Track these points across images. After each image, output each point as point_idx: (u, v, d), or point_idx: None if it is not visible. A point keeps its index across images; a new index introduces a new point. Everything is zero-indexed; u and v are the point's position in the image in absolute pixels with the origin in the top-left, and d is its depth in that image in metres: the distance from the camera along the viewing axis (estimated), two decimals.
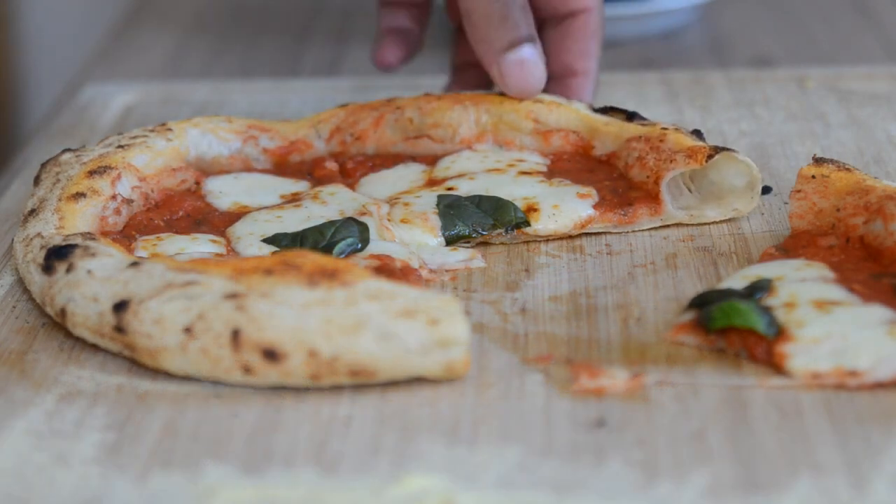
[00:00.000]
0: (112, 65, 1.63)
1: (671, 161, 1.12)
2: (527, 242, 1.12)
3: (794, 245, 1.06)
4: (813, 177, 1.08)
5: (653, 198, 1.13)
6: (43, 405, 0.93)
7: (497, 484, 0.84)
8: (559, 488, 0.84)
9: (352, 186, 1.17)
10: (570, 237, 1.12)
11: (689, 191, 1.14)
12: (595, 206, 1.12)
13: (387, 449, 0.88)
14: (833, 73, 1.44)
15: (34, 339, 1.01)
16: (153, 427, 0.91)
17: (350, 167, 1.19)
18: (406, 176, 1.17)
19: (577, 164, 1.18)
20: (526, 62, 1.17)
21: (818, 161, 1.09)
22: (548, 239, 1.12)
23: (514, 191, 1.13)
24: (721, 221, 1.13)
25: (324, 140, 1.21)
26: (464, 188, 1.14)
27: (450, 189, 1.14)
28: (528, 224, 1.11)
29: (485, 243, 1.11)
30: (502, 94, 1.20)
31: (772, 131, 1.31)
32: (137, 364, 0.97)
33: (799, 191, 1.08)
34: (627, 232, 1.12)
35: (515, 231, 1.11)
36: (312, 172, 1.19)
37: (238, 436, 0.90)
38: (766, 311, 0.96)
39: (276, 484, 0.85)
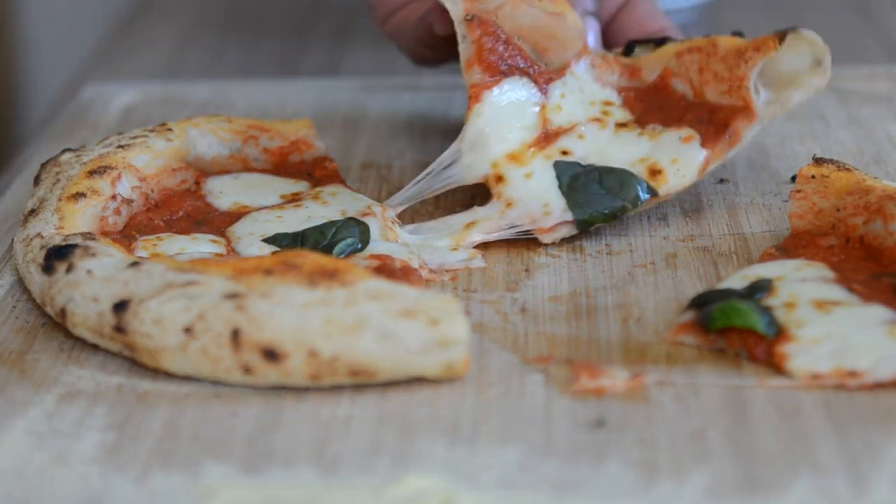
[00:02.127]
0: (112, 65, 1.63)
1: (747, 61, 1.12)
2: (527, 241, 1.12)
3: (794, 245, 1.06)
4: (813, 177, 1.08)
5: (740, 109, 1.13)
6: (43, 405, 0.93)
7: (497, 484, 0.84)
8: (559, 488, 0.84)
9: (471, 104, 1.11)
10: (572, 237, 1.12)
11: (758, 92, 1.14)
12: (703, 145, 1.12)
13: (387, 449, 0.88)
14: (833, 73, 1.43)
15: (34, 339, 1.01)
16: (153, 427, 0.91)
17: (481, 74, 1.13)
18: (520, 113, 1.13)
19: (646, 102, 1.17)
20: (594, 29, 1.22)
21: (818, 161, 1.09)
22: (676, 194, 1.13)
23: (627, 154, 1.12)
24: (722, 221, 1.14)
25: None
26: (578, 152, 1.12)
27: (565, 153, 1.12)
28: (656, 193, 1.11)
29: (486, 243, 1.11)
30: None
31: (772, 131, 1.31)
32: (137, 364, 0.97)
33: (799, 191, 1.08)
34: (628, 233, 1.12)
35: (650, 199, 1.11)
36: (312, 172, 1.19)
37: (238, 436, 0.90)
38: (766, 311, 0.96)
39: (276, 484, 0.85)
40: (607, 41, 1.28)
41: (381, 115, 1.37)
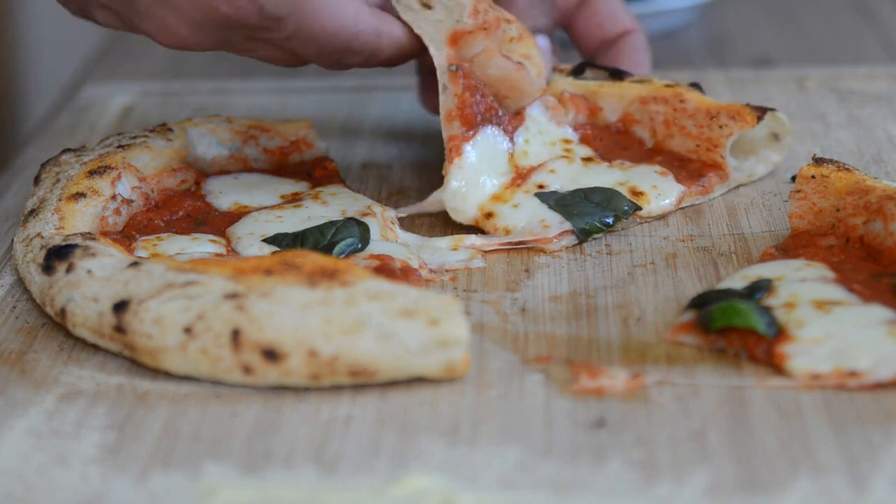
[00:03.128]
0: (112, 65, 1.63)
1: (721, 127, 1.16)
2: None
3: (794, 245, 1.06)
4: (813, 177, 1.08)
5: (711, 166, 1.17)
6: (43, 405, 0.93)
7: (497, 484, 0.84)
8: (559, 488, 0.84)
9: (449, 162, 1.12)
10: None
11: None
12: (678, 181, 1.15)
13: (387, 449, 0.88)
14: (833, 73, 1.44)
15: (34, 339, 1.01)
16: (153, 427, 0.91)
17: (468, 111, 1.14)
18: (494, 162, 1.14)
19: (607, 141, 1.20)
20: (545, 49, 1.22)
21: (818, 161, 1.09)
22: (658, 218, 1.14)
23: (602, 180, 1.15)
24: (722, 221, 1.14)
25: (443, 45, 1.12)
26: (553, 185, 1.14)
27: (541, 187, 1.14)
28: (640, 208, 1.13)
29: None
30: None
31: None
32: (137, 364, 0.97)
33: (799, 191, 1.08)
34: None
35: (632, 216, 1.13)
36: (312, 172, 1.19)
37: (238, 436, 0.89)
38: (766, 311, 0.96)
39: (276, 484, 0.85)
40: (572, 42, 1.28)
41: (380, 116, 1.37)
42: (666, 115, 1.18)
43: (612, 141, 1.20)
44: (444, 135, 1.13)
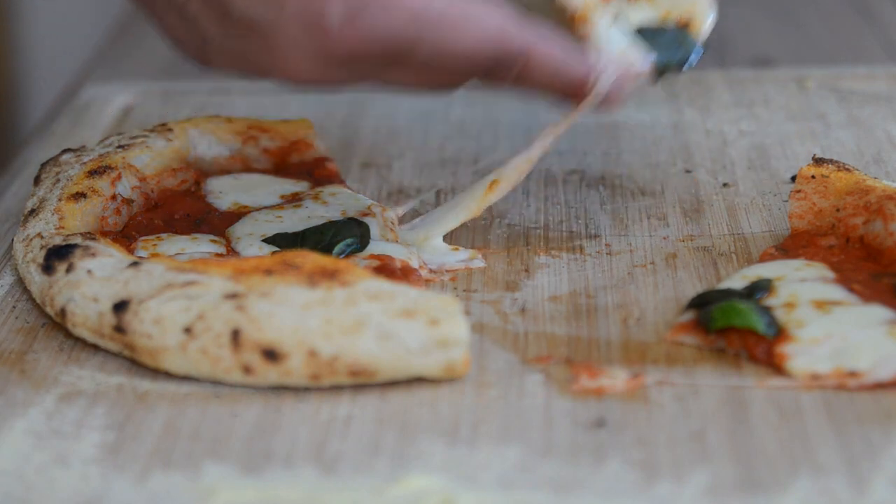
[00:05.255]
0: (112, 65, 1.62)
1: None
2: (527, 241, 1.12)
3: (793, 245, 1.06)
4: (813, 177, 1.08)
5: None
6: (43, 405, 0.93)
7: (497, 484, 0.84)
8: (559, 488, 0.84)
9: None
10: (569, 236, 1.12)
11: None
12: None
13: (387, 449, 0.88)
14: (833, 73, 1.44)
15: (34, 339, 1.01)
16: (153, 427, 0.91)
17: None
18: None
19: None
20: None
21: (818, 161, 1.09)
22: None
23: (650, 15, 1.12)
24: (722, 221, 1.14)
25: None
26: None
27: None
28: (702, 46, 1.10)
29: (485, 245, 1.11)
30: None
31: (772, 131, 1.31)
32: (137, 364, 0.97)
33: (799, 191, 1.08)
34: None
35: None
36: (312, 172, 1.19)
37: (238, 436, 0.90)
38: (766, 311, 0.96)
39: (276, 484, 0.85)
40: None
41: (381, 115, 1.37)
42: None
43: None
44: None
